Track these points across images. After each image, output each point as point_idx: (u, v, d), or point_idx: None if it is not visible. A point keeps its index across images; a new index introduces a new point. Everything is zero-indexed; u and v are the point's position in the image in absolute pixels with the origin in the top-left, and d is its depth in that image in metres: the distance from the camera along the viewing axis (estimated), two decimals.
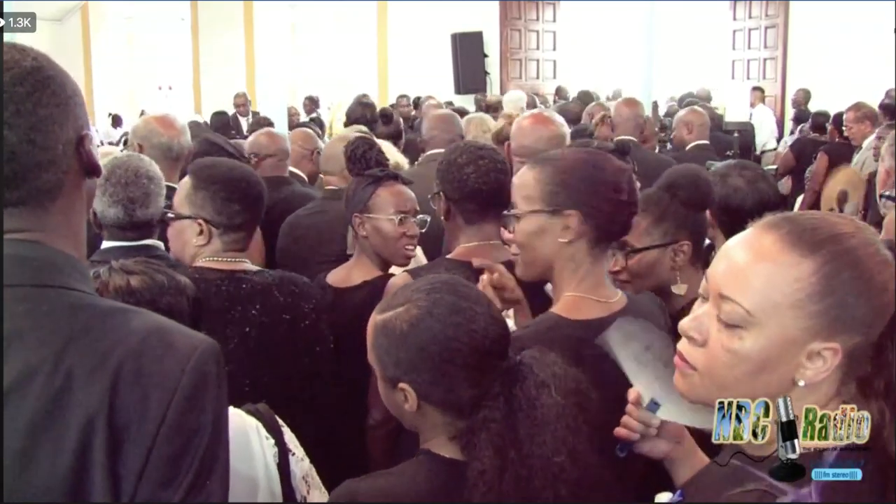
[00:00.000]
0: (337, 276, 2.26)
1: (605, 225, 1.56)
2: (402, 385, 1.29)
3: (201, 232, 1.93)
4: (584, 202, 1.54)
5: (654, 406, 1.29)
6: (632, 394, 1.32)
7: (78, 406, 0.87)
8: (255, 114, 8.80)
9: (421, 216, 2.25)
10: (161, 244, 2.18)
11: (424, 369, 1.27)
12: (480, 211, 2.02)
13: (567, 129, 2.83)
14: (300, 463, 1.55)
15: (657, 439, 1.34)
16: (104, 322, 0.93)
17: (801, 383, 0.94)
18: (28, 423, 0.86)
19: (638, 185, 2.78)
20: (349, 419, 2.08)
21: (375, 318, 1.33)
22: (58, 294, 0.93)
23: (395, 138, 4.34)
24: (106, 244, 2.15)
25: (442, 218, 2.09)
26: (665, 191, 1.88)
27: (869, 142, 5.23)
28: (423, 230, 2.26)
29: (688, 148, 4.61)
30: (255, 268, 2.02)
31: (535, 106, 8.18)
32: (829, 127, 6.51)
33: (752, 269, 0.96)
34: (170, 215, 2.01)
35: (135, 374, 0.89)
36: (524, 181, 1.61)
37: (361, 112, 4.79)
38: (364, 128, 4.63)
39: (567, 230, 1.54)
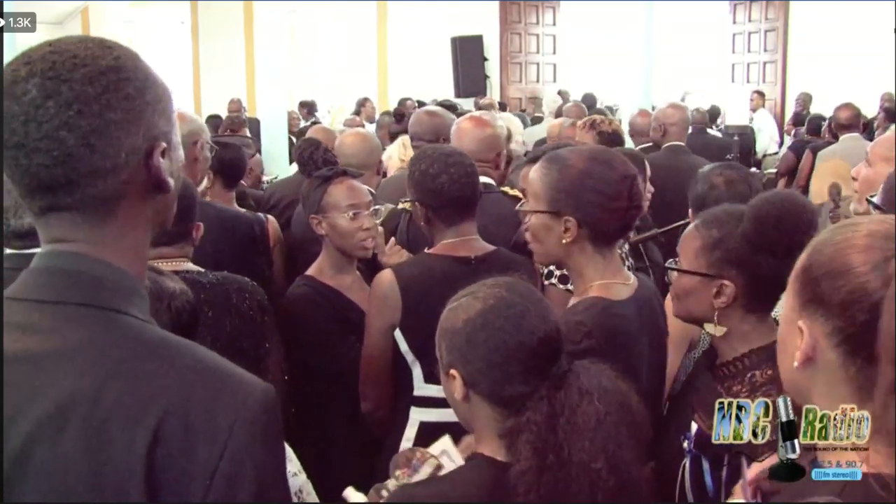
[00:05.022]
0: (324, 275, 2.32)
1: (602, 229, 1.69)
2: (452, 371, 1.35)
3: None
4: (580, 209, 1.67)
5: None
6: None
7: (115, 455, 0.80)
8: (254, 120, 8.80)
9: (375, 207, 2.31)
10: None
11: (472, 357, 1.32)
12: (457, 213, 2.11)
13: (502, 131, 2.92)
14: (293, 478, 1.54)
15: None
16: (148, 359, 0.85)
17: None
18: (64, 461, 0.80)
19: (650, 189, 2.82)
20: (340, 414, 2.20)
21: (445, 309, 1.41)
22: (105, 318, 0.86)
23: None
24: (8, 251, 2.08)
25: (422, 222, 2.16)
26: (735, 215, 1.60)
27: None
28: (380, 220, 2.33)
29: (662, 148, 4.57)
30: (197, 268, 2.08)
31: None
32: (824, 126, 6.55)
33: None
34: None
35: (180, 428, 0.81)
36: (532, 179, 1.75)
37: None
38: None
39: (568, 232, 1.68)
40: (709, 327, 1.60)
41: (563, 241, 1.68)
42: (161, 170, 0.91)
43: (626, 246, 2.47)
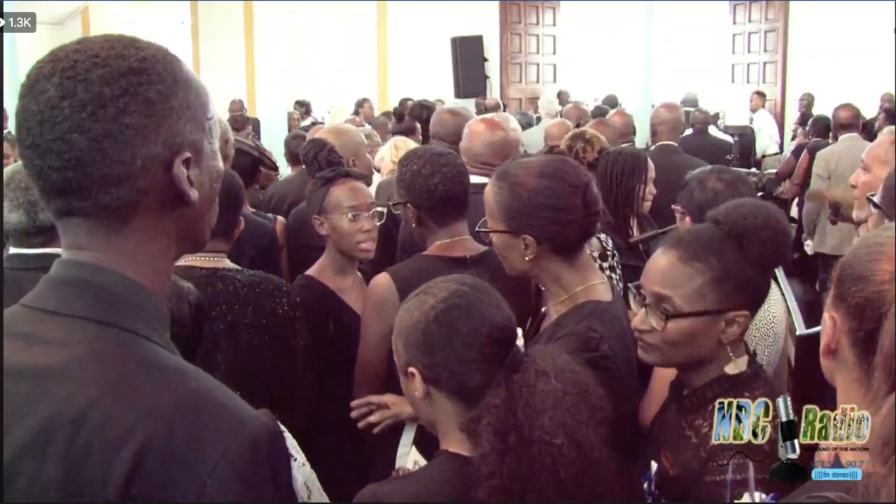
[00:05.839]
0: (324, 275, 2.32)
1: (562, 242, 1.67)
2: (411, 369, 1.35)
3: None
4: (536, 227, 1.65)
5: None
6: None
7: (93, 480, 0.76)
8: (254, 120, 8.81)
9: (377, 209, 2.30)
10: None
11: (430, 351, 1.33)
12: (450, 214, 2.11)
13: (516, 135, 2.88)
14: (302, 468, 1.54)
15: None
16: (139, 384, 0.79)
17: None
18: (44, 482, 0.77)
19: (653, 192, 2.80)
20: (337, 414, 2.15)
21: (399, 310, 1.42)
22: (107, 334, 0.82)
23: (406, 133, 4.85)
24: (13, 251, 2.05)
25: (413, 224, 2.15)
26: (732, 238, 1.41)
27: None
28: (381, 222, 2.32)
29: (652, 148, 4.54)
30: (235, 266, 2.07)
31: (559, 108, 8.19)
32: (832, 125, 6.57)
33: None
34: None
35: (160, 460, 0.76)
36: (486, 198, 1.73)
37: (419, 112, 5.12)
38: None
39: (528, 249, 1.66)
40: (733, 367, 1.38)
41: (526, 257, 1.67)
42: (181, 180, 0.85)
43: (611, 244, 2.45)
